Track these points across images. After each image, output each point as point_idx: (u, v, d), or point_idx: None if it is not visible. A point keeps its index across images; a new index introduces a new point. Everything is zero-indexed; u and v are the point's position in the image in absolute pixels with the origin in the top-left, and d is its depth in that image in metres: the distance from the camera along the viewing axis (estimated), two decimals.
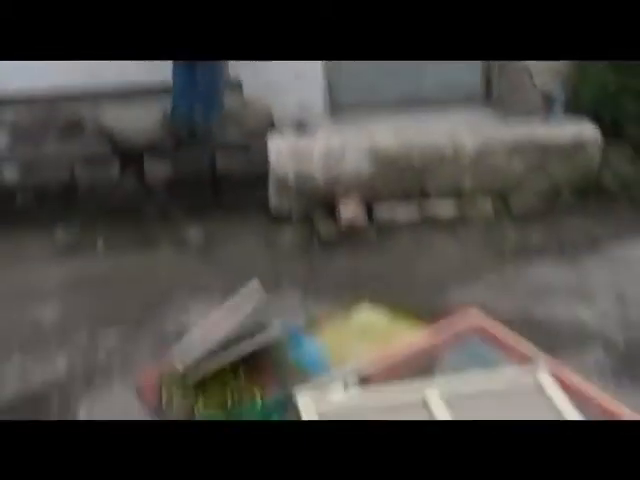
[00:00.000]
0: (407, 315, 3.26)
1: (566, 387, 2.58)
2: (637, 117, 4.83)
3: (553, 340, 3.15)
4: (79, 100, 4.89)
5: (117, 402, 2.88)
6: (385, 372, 2.73)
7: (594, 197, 4.53)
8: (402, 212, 4.49)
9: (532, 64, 4.99)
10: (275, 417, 2.58)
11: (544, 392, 2.52)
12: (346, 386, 2.66)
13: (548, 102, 4.99)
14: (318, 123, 5.02)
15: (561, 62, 4.87)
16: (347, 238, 4.28)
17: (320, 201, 4.60)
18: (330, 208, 4.46)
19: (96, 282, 3.94)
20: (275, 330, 2.87)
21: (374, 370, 2.75)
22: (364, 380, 2.68)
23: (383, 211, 4.49)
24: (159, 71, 4.44)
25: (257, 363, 2.90)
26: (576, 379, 2.68)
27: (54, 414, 2.83)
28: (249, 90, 4.97)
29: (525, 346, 2.82)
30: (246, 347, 2.81)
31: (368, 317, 3.28)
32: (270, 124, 4.89)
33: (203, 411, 2.65)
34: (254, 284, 2.99)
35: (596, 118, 4.78)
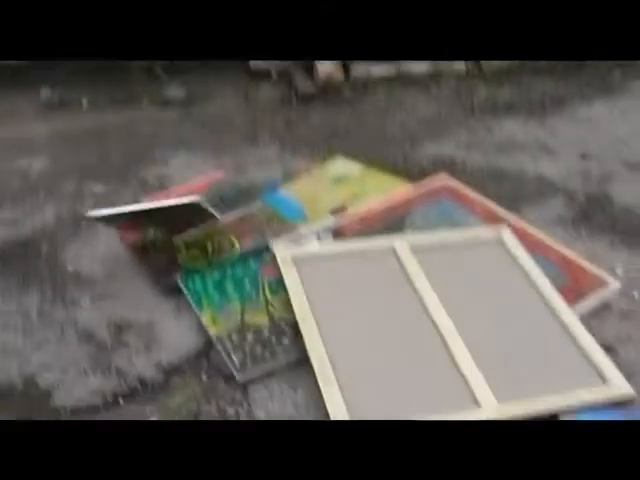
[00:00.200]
0: (380, 168, 3.38)
1: (527, 240, 2.74)
2: None
3: (518, 192, 3.29)
4: None
5: (101, 247, 2.98)
6: (358, 225, 2.87)
7: None
8: (377, 69, 4.49)
9: None
10: (252, 263, 2.72)
11: (505, 245, 2.68)
12: (320, 237, 2.80)
13: None
14: None
15: None
16: (324, 94, 4.30)
17: None
18: (308, 65, 4.46)
19: (81, 137, 3.99)
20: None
21: (348, 223, 2.89)
22: (338, 233, 2.82)
23: (359, 68, 4.50)
24: None
25: (236, 215, 3.03)
26: (537, 232, 2.85)
27: (43, 259, 2.93)
28: None
29: (492, 207, 2.96)
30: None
31: (343, 169, 3.38)
32: None
33: (186, 260, 2.78)
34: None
35: None
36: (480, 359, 2.19)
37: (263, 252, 2.76)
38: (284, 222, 2.94)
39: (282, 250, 2.61)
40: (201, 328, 2.47)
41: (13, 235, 3.09)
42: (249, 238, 2.86)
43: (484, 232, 2.76)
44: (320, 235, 2.80)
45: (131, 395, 2.24)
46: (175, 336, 2.46)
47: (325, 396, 2.04)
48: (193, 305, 2.54)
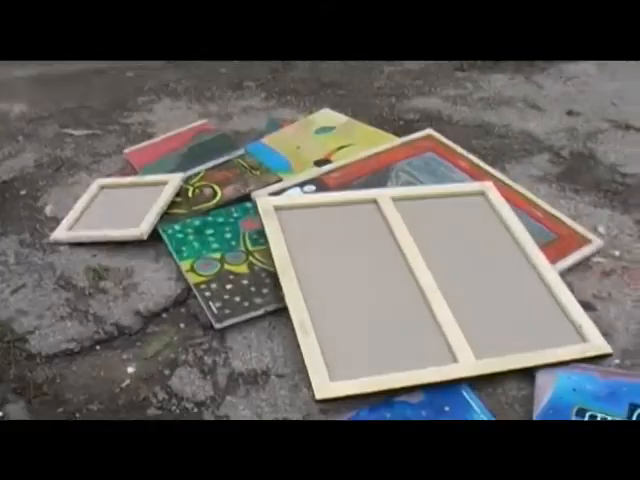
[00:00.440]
0: (366, 121, 3.36)
1: (511, 196, 2.73)
2: None
3: (504, 148, 3.27)
4: None
5: (80, 192, 2.94)
6: (342, 177, 2.85)
7: None
8: None
9: None
10: (233, 213, 2.70)
11: (489, 201, 2.67)
12: (303, 188, 2.78)
13: None
14: None
15: None
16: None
17: None
18: None
19: (64, 81, 3.94)
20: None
21: (331, 175, 2.86)
22: (321, 184, 2.80)
23: None
24: None
25: (219, 165, 3.01)
26: (521, 188, 2.83)
27: (21, 203, 2.91)
28: None
29: (477, 163, 2.94)
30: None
31: (328, 120, 3.35)
32: None
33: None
34: None
35: None
36: (459, 315, 2.18)
37: (245, 202, 2.75)
38: (268, 172, 2.91)
39: (264, 200, 2.58)
40: (180, 276, 2.45)
41: None
42: (232, 187, 2.84)
43: (468, 187, 2.74)
44: (304, 186, 2.78)
45: (108, 341, 2.22)
46: (154, 283, 2.44)
47: (302, 346, 2.03)
48: (173, 253, 2.52)
